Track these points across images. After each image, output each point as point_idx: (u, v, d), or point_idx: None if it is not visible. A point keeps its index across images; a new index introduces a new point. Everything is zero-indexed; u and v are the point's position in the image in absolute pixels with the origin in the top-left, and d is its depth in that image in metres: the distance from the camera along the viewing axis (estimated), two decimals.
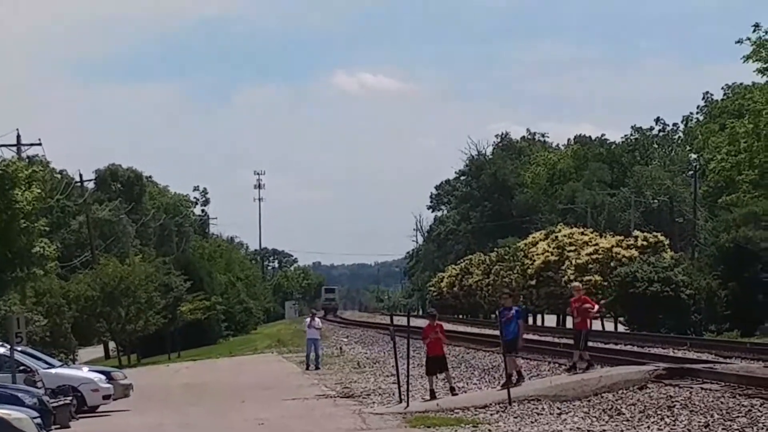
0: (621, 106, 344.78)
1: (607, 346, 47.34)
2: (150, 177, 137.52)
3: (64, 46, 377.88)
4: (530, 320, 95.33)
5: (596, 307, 29.89)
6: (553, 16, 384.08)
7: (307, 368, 43.82)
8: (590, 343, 48.61)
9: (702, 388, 25.45)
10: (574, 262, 74.80)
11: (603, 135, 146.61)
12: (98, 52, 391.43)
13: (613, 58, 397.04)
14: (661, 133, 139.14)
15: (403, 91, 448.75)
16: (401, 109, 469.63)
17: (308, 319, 47.97)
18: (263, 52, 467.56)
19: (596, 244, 75.40)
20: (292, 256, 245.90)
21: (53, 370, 31.99)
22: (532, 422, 22.09)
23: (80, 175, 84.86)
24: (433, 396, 27.17)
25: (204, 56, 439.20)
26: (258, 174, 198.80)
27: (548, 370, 33.18)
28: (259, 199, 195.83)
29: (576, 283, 31.72)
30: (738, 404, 22.40)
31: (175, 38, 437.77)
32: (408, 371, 26.79)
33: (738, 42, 69.32)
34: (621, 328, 67.20)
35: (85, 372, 33.36)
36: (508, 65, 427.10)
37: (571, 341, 32.89)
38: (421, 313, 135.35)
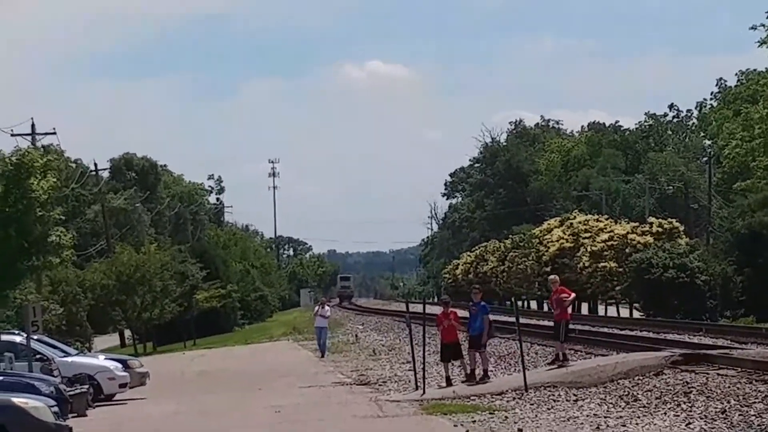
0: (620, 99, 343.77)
1: (622, 332, 47.35)
2: (165, 166, 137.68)
3: (64, 44, 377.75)
4: (545, 307, 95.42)
5: (572, 295, 29.70)
6: (554, 10, 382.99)
7: (322, 356, 43.96)
8: (606, 330, 49.02)
9: (718, 374, 25.43)
10: (589, 248, 74.75)
11: (617, 122, 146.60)
12: (98, 51, 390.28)
13: (614, 50, 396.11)
14: (675, 120, 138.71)
15: (409, 81, 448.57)
16: (409, 100, 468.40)
17: (317, 308, 47.78)
18: (268, 47, 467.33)
19: (611, 231, 75.35)
20: (306, 244, 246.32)
21: (69, 359, 32.05)
22: (548, 409, 22.07)
23: (95, 164, 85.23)
24: (449, 383, 27.12)
25: (207, 52, 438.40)
26: (272, 162, 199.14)
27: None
28: (274, 187, 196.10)
29: (552, 276, 31.41)
30: (754, 390, 22.36)
31: (178, 34, 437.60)
32: (424, 358, 26.76)
33: (752, 28, 69.35)
34: (636, 314, 67.18)
35: (101, 360, 33.41)
36: (511, 58, 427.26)
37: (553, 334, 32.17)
38: (435, 300, 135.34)
